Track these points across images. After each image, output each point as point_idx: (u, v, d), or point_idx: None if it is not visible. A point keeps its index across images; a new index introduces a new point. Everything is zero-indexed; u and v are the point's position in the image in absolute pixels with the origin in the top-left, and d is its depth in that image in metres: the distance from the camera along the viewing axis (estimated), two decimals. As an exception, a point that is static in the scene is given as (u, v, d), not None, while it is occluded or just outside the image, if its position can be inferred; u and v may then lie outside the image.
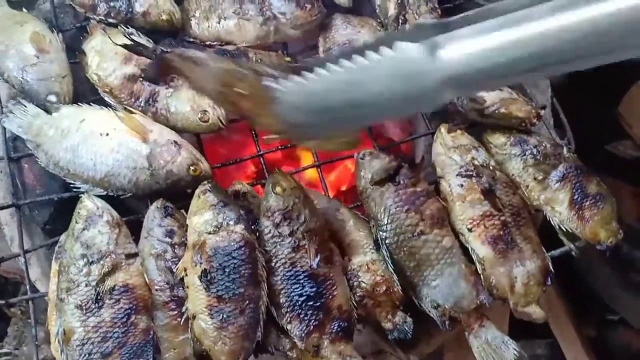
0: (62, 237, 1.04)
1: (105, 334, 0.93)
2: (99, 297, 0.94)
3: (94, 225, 0.99)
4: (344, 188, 1.74)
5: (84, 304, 0.94)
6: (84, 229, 0.98)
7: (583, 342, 1.92)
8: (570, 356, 1.92)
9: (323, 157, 1.22)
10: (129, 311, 0.95)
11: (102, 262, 0.96)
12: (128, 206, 1.15)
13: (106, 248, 0.98)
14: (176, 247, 1.01)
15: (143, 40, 1.15)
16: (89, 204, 1.01)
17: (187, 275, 0.96)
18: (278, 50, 1.28)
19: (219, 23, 1.25)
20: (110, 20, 1.23)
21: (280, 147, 1.26)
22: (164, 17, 1.22)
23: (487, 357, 1.01)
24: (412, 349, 1.20)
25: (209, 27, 1.25)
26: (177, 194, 1.10)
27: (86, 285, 0.95)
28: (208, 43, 1.25)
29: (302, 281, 0.98)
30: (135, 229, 1.05)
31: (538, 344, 1.98)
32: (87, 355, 0.93)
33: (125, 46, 1.08)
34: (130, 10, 1.21)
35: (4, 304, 1.09)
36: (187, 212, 1.04)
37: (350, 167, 1.75)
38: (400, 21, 1.23)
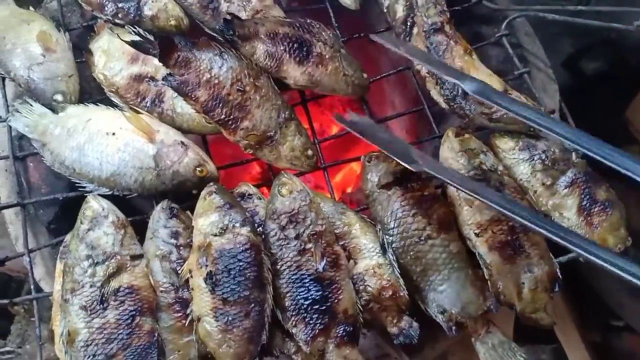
0: (67, 237, 1.03)
1: (109, 335, 0.93)
2: (104, 298, 0.94)
3: (99, 225, 0.98)
4: (349, 190, 1.74)
5: (88, 305, 0.94)
6: (88, 230, 0.98)
7: (587, 348, 1.91)
8: (575, 361, 1.90)
9: (328, 159, 1.21)
10: (134, 312, 0.94)
11: (106, 263, 0.96)
12: (134, 205, 1.15)
13: (111, 249, 0.97)
14: (181, 248, 1.01)
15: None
16: (94, 205, 1.00)
17: (192, 276, 0.96)
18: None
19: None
20: (117, 21, 1.22)
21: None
22: (172, 22, 1.21)
23: (493, 363, 1.00)
24: (416, 353, 1.19)
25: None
26: (182, 195, 1.09)
27: (91, 286, 0.95)
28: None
29: (307, 284, 0.97)
30: (140, 229, 1.05)
31: (542, 349, 1.97)
32: (91, 356, 0.93)
33: (132, 43, 1.07)
34: (139, 12, 1.21)
35: (8, 303, 1.09)
36: (192, 212, 1.03)
37: (356, 169, 1.74)
38: (408, 23, 1.21)
